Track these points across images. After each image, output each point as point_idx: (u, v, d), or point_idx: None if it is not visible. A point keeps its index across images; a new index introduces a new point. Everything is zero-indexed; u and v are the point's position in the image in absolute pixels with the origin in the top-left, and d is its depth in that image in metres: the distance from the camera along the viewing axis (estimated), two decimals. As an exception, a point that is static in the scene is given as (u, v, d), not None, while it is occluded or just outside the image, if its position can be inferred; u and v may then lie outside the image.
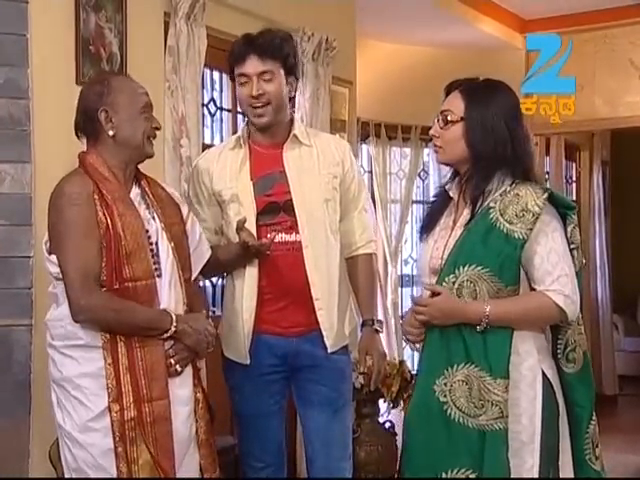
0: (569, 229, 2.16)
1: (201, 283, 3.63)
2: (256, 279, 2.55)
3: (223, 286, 3.90)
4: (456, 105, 2.17)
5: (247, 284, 2.57)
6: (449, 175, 2.31)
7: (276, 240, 2.54)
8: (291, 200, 2.56)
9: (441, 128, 2.18)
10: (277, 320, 2.57)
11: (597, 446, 2.20)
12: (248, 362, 2.58)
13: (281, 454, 2.70)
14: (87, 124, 2.30)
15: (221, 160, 2.63)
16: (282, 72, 2.56)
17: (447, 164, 2.25)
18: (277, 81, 2.55)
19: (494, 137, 2.14)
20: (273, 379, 2.61)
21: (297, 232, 2.56)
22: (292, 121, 2.65)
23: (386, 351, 2.75)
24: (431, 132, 2.21)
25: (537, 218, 2.08)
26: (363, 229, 2.71)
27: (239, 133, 2.67)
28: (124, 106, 2.27)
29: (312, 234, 2.56)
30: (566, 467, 2.17)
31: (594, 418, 2.19)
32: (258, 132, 2.61)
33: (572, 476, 2.17)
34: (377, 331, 2.68)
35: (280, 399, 2.66)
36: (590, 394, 2.19)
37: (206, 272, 2.56)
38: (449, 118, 2.16)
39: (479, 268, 2.08)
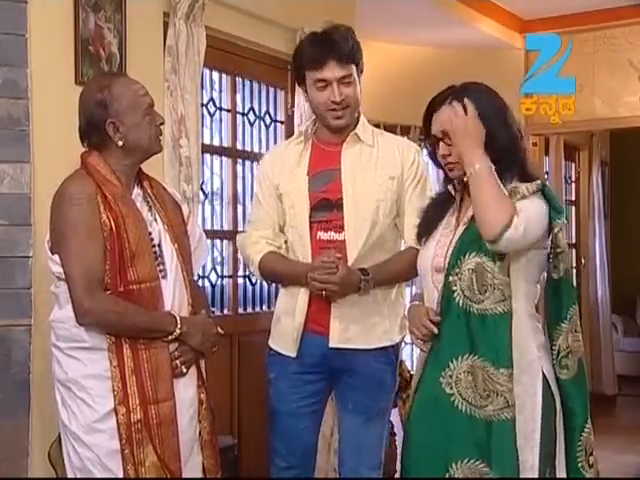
0: (555, 231, 2.15)
1: (200, 283, 3.66)
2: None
3: (223, 286, 3.95)
4: None
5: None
6: (442, 178, 2.32)
7: (324, 238, 2.55)
8: (342, 198, 2.55)
9: (449, 145, 2.18)
10: (321, 320, 2.55)
11: (591, 454, 2.19)
12: (294, 355, 2.56)
13: (308, 458, 2.67)
14: (93, 134, 2.29)
15: (285, 153, 2.65)
16: (357, 73, 2.56)
17: (461, 178, 2.22)
18: (355, 84, 2.55)
19: (506, 139, 2.16)
20: (311, 379, 2.59)
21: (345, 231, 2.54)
22: (357, 119, 2.63)
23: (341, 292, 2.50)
24: (440, 153, 2.20)
25: (524, 197, 2.10)
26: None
27: (304, 127, 2.68)
28: (129, 113, 2.26)
29: (357, 234, 2.54)
30: (561, 469, 2.17)
31: (588, 426, 2.18)
32: (327, 130, 2.59)
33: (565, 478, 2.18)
34: (364, 279, 2.50)
35: (315, 402, 2.63)
36: (584, 402, 2.19)
37: (268, 278, 2.69)
38: None
39: (478, 257, 2.11)
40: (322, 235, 2.56)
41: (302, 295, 2.55)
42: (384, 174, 2.58)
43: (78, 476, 2.23)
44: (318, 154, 2.60)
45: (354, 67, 2.54)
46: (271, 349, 2.65)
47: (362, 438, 2.60)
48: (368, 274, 2.51)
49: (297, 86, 2.71)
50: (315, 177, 2.58)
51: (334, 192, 2.56)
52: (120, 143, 2.26)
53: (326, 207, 2.56)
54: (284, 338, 2.60)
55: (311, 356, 2.56)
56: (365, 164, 2.58)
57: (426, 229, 2.29)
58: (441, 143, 2.20)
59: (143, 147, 2.30)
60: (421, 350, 2.24)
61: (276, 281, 2.77)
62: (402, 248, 2.66)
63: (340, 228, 2.54)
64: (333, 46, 2.51)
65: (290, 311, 2.58)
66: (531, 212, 2.09)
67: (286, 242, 2.64)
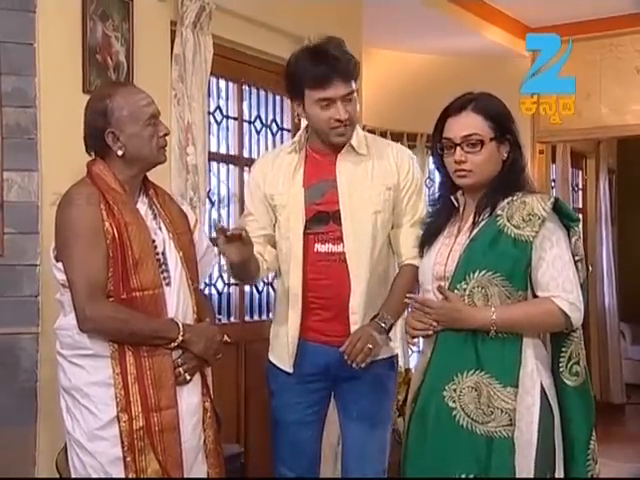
0: (572, 241, 2.17)
1: (207, 291, 3.66)
2: (300, 288, 2.51)
3: (229, 294, 3.96)
4: (478, 126, 2.17)
5: (292, 293, 2.53)
6: (440, 186, 2.31)
7: (323, 250, 2.52)
8: (340, 210, 2.52)
9: (467, 152, 2.17)
10: (322, 329, 2.53)
11: (596, 463, 2.19)
12: (291, 371, 2.55)
13: (314, 466, 2.65)
14: (95, 143, 2.30)
15: (277, 163, 2.59)
16: (356, 88, 2.50)
17: (472, 186, 2.21)
18: (355, 100, 2.50)
19: (520, 148, 2.19)
20: (314, 388, 2.57)
21: (344, 243, 2.51)
22: None
23: (381, 341, 2.49)
24: (457, 158, 2.17)
25: (543, 221, 2.10)
26: (413, 242, 2.48)
27: (297, 137, 2.62)
28: (129, 123, 2.25)
29: (357, 246, 2.50)
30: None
31: (594, 436, 2.18)
32: (325, 143, 2.54)
33: None
34: (379, 325, 2.48)
35: (319, 410, 2.62)
36: (589, 410, 2.18)
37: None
38: (480, 140, 2.16)
39: (490, 273, 2.10)
40: (320, 247, 2.52)
41: (294, 309, 2.52)
42: (380, 184, 2.55)
43: (82, 483, 2.23)
44: (313, 165, 2.56)
45: (354, 83, 2.49)
46: (270, 362, 2.63)
47: (366, 445, 2.59)
48: (381, 320, 2.47)
49: (290, 101, 2.62)
50: (311, 189, 2.54)
51: (331, 204, 2.52)
52: (120, 153, 2.26)
53: (322, 219, 2.53)
54: (281, 352, 2.58)
55: (313, 365, 2.54)
56: (361, 175, 2.54)
57: (428, 238, 2.28)
58: (458, 148, 2.17)
59: (144, 157, 2.29)
60: (425, 338, 2.21)
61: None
62: (396, 265, 2.61)
63: (338, 240, 2.51)
64: (337, 64, 2.44)
65: (283, 325, 2.56)
66: (564, 272, 2.10)
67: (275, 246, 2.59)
